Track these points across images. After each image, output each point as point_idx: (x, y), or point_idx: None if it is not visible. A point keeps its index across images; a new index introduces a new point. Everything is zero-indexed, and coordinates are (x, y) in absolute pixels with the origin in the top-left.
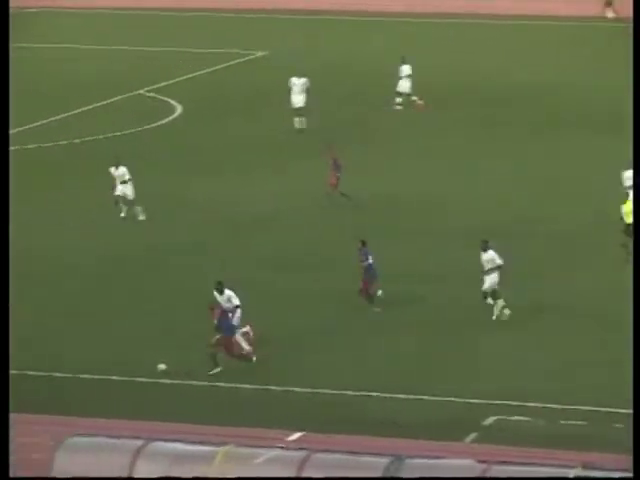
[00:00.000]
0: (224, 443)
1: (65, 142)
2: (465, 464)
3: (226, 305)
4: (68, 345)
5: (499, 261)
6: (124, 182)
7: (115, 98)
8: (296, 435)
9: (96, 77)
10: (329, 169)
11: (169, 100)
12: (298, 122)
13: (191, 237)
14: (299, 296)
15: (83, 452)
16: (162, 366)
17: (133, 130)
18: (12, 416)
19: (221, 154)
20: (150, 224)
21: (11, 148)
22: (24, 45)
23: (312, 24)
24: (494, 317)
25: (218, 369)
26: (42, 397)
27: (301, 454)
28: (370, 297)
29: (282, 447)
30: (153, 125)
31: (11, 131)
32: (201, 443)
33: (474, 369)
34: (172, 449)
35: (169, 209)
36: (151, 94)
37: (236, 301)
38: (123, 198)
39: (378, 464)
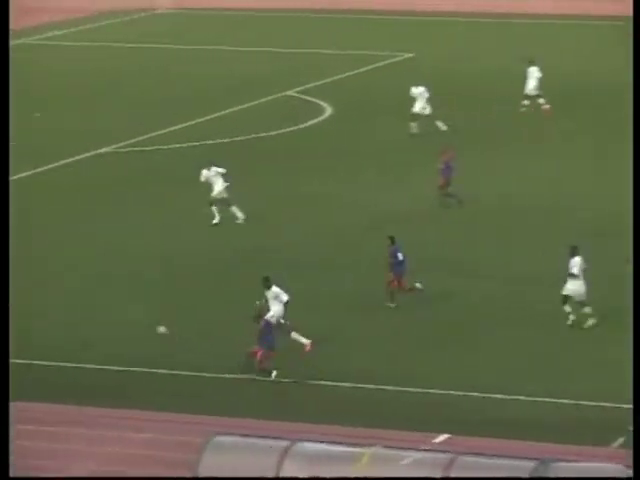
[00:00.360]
0: (370, 444)
1: (215, 142)
2: (612, 468)
3: (273, 302)
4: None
5: (575, 270)
6: (218, 182)
7: (264, 99)
8: (442, 437)
9: (246, 78)
10: (440, 172)
11: (318, 101)
12: (414, 127)
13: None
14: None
15: (229, 452)
16: (162, 328)
17: (282, 131)
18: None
19: (367, 156)
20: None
21: (157, 147)
22: (169, 46)
23: (458, 26)
24: (569, 323)
25: (274, 372)
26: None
27: (447, 456)
28: (392, 292)
29: (428, 449)
30: (302, 126)
31: (161, 131)
32: (347, 444)
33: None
34: (318, 449)
35: (307, 209)
36: (301, 95)
37: (284, 297)
38: (219, 199)
39: (524, 467)
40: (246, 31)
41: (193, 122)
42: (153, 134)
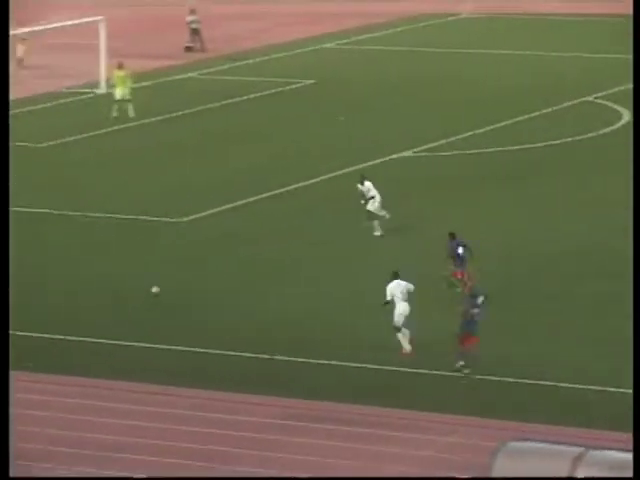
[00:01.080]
0: None
1: (505, 149)
2: None
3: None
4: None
5: None
6: (371, 197)
7: (563, 105)
8: None
9: (546, 83)
10: None
11: (617, 107)
12: None
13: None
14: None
15: (522, 456)
16: (155, 289)
17: (578, 138)
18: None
19: None
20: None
21: (464, 152)
22: (472, 51)
23: None
24: None
25: (463, 365)
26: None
27: None
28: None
29: None
30: (598, 133)
31: (460, 136)
32: None
33: None
34: (613, 458)
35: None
36: (600, 101)
37: (398, 293)
38: (372, 213)
39: None
40: (550, 36)
41: (491, 127)
42: (452, 138)
